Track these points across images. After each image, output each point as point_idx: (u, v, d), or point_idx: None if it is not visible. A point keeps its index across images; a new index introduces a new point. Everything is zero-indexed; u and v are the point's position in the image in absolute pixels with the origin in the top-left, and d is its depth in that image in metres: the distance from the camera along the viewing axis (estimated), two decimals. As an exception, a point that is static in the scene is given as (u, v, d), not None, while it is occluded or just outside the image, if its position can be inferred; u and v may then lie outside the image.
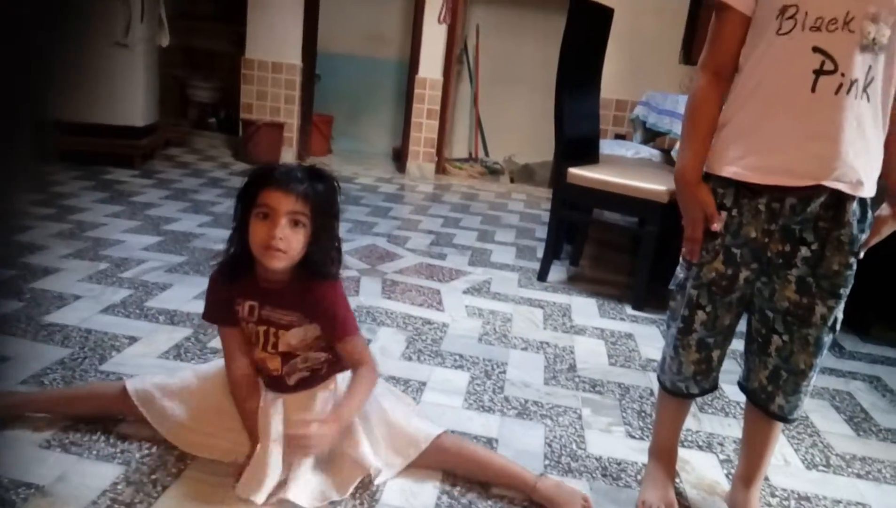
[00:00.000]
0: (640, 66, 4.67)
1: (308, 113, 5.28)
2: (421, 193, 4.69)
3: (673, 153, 2.88)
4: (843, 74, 1.07)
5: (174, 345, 1.93)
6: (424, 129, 5.14)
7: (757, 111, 1.16)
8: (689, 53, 4.62)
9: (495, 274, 2.99)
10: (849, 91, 1.08)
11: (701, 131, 1.23)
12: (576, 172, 2.82)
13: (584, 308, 2.68)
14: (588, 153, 3.08)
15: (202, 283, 1.95)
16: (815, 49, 1.07)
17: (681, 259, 1.35)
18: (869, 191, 1.16)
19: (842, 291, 1.21)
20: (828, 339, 1.25)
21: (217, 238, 2.95)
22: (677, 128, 2.95)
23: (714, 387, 1.40)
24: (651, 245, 2.67)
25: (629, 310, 2.71)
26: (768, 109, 1.14)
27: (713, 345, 1.34)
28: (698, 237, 1.25)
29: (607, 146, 3.58)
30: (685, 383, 1.38)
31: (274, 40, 5.04)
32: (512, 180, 5.56)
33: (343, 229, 3.34)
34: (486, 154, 6.05)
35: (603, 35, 3.03)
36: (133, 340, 1.92)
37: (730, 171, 1.20)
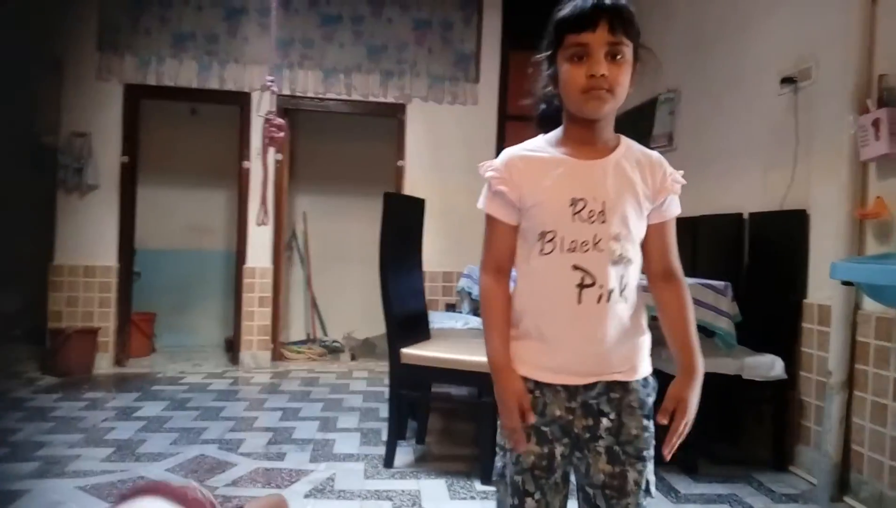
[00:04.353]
0: (458, 240, 4.99)
1: (126, 314, 4.96)
2: (257, 384, 4.47)
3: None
4: (601, 286, 1.24)
5: None
6: (257, 317, 5.02)
7: (536, 318, 1.29)
8: None
9: (339, 468, 2.83)
10: (609, 299, 1.25)
11: (499, 321, 1.33)
12: (409, 351, 2.85)
13: (434, 492, 2.59)
14: (418, 329, 3.15)
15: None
16: (575, 267, 1.24)
17: (496, 448, 1.37)
18: (645, 371, 1.31)
19: (645, 453, 1.30)
20: (645, 504, 1.32)
21: (14, 475, 2.55)
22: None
23: None
24: (490, 416, 2.69)
25: (479, 486, 2.66)
26: (545, 317, 1.28)
27: None
28: (517, 426, 1.29)
29: (438, 319, 3.69)
30: None
31: (86, 243, 4.80)
32: (353, 357, 5.50)
33: (165, 441, 3.09)
34: (325, 333, 5.99)
35: (419, 220, 3.23)
36: None
37: (524, 370, 1.30)
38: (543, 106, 1.37)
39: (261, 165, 4.97)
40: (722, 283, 2.95)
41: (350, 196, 6.04)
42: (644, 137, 4.48)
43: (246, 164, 5.00)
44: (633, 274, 1.29)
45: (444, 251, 4.88)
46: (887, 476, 2.39)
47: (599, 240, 1.24)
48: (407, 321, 3.01)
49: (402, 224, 3.08)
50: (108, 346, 4.80)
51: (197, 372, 4.74)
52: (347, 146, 6.00)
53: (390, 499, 2.51)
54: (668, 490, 2.65)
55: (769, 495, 2.64)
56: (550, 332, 1.27)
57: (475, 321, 3.74)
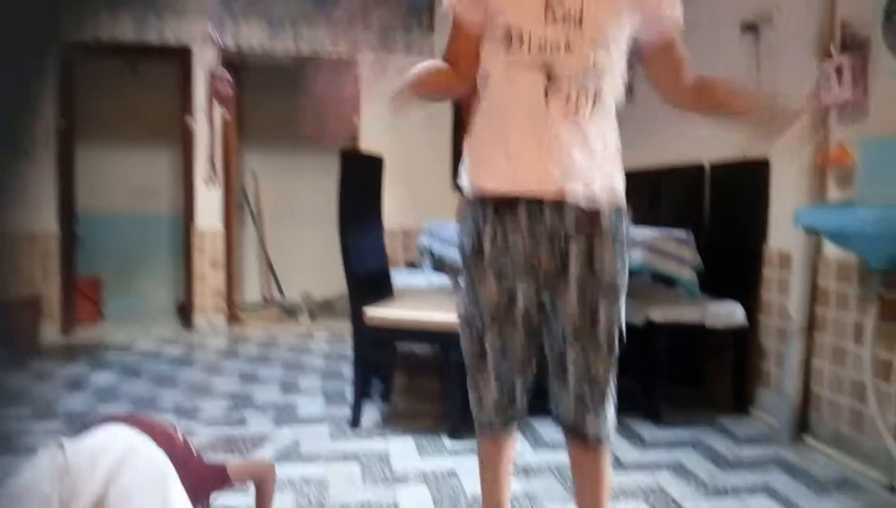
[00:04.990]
0: (418, 196, 4.91)
1: (70, 280, 4.73)
2: (212, 349, 4.34)
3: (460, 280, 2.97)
4: (569, 94, 1.19)
5: None
6: (210, 280, 4.85)
7: (500, 129, 1.24)
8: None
9: (304, 431, 2.77)
10: (576, 109, 1.19)
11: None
12: (373, 311, 2.78)
13: (403, 450, 2.56)
14: (382, 288, 3.07)
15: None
16: (543, 69, 1.18)
17: (459, 287, 1.35)
18: (616, 201, 1.26)
19: (619, 282, 1.26)
20: (616, 343, 1.29)
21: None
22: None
23: (521, 416, 1.39)
24: (456, 373, 2.66)
25: (447, 442, 2.64)
26: (508, 124, 1.23)
27: (510, 375, 1.32)
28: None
29: (401, 277, 3.62)
30: (488, 416, 1.36)
31: (23, 208, 4.51)
32: (312, 317, 5.40)
33: (119, 411, 2.92)
34: (282, 294, 5.85)
35: (377, 179, 3.13)
36: None
37: (482, 183, 1.25)
38: None
39: (206, 124, 4.74)
40: (684, 232, 2.95)
41: (301, 153, 5.83)
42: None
43: (190, 121, 4.76)
44: (608, 88, 1.22)
45: (402, 208, 4.77)
46: (846, 416, 2.47)
47: (572, 43, 1.17)
48: (369, 280, 2.93)
49: (361, 184, 2.97)
50: (53, 314, 4.58)
51: (148, 337, 4.57)
52: (297, 101, 5.76)
53: (358, 460, 2.46)
54: (633, 437, 2.68)
55: (732, 437, 2.70)
56: (513, 139, 1.21)
57: (437, 279, 3.69)
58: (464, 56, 1.30)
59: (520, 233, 1.22)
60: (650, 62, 1.32)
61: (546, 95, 1.17)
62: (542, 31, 1.17)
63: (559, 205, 1.21)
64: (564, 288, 1.23)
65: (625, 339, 1.30)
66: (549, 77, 1.17)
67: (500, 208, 1.23)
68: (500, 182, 1.22)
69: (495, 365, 1.31)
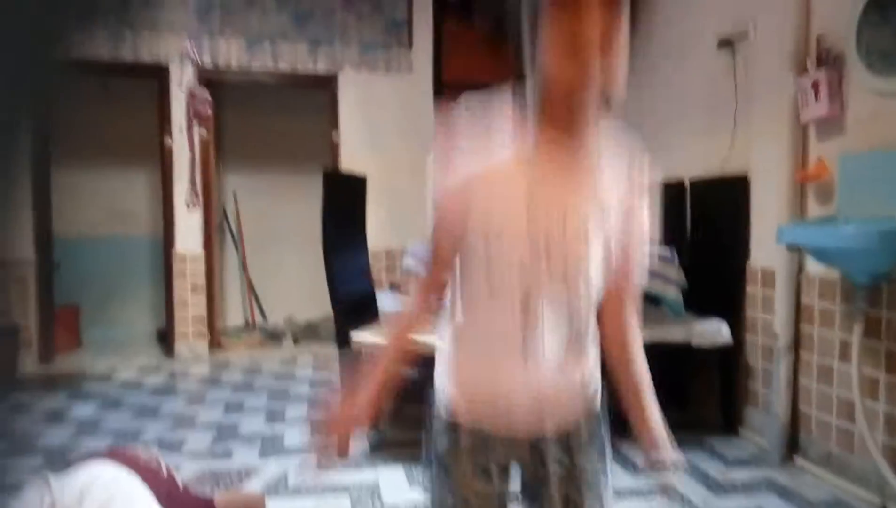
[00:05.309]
0: (400, 215, 4.88)
1: (48, 308, 4.63)
2: (195, 377, 4.27)
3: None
4: (550, 337, 1.08)
5: None
6: (191, 306, 4.77)
7: (477, 366, 1.14)
8: None
9: (291, 463, 2.72)
10: (563, 349, 1.09)
11: (405, 329, 1.19)
12: (359, 336, 2.74)
13: (393, 481, 2.52)
14: (368, 312, 3.04)
15: None
16: (523, 310, 1.06)
17: (426, 462, 1.23)
18: (595, 409, 1.19)
19: (602, 481, 1.20)
20: None
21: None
22: (446, 277, 3.05)
23: None
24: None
25: (437, 471, 2.60)
26: (487, 366, 1.12)
27: None
28: (338, 430, 1.16)
29: (386, 300, 3.58)
30: None
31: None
32: (296, 341, 5.33)
33: (100, 445, 2.86)
34: (265, 318, 5.79)
35: (361, 198, 3.10)
36: None
37: (463, 417, 1.15)
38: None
39: (185, 144, 4.68)
40: (667, 250, 2.96)
41: (283, 173, 5.79)
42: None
43: (168, 142, 4.70)
44: (590, 320, 1.14)
45: (385, 227, 4.74)
46: (835, 435, 2.47)
47: (555, 291, 1.06)
48: (355, 304, 2.90)
49: (344, 204, 2.94)
50: (31, 343, 4.47)
51: (129, 367, 4.48)
52: (277, 121, 5.73)
53: (348, 492, 2.42)
54: (625, 462, 2.67)
55: (722, 460, 2.69)
56: (491, 384, 1.12)
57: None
58: (445, 263, 1.14)
59: (502, 448, 1.16)
60: (604, 305, 1.18)
61: (524, 315, 1.07)
62: (520, 248, 1.05)
63: (541, 435, 1.16)
64: (546, 489, 1.17)
65: None
66: (527, 297, 1.06)
67: (476, 424, 1.16)
68: (479, 422, 1.14)
69: None
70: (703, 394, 3.22)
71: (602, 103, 1.01)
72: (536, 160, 1.04)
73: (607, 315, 1.18)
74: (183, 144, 4.68)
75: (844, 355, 2.40)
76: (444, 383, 1.19)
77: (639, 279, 1.17)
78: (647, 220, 1.13)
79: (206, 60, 4.67)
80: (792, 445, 2.64)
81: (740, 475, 2.53)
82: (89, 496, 1.52)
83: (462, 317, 1.15)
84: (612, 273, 1.11)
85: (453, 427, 1.17)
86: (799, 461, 2.62)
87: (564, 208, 1.05)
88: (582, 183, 1.06)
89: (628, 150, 1.10)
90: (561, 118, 1.03)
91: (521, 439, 1.15)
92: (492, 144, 1.06)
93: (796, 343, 2.64)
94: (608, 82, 0.98)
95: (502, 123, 1.07)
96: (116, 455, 1.74)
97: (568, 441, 1.17)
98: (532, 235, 1.04)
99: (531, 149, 1.04)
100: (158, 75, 4.67)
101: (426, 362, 2.84)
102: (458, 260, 1.12)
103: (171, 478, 1.79)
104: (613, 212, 1.08)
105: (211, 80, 4.79)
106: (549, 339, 1.09)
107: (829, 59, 2.49)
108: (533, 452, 1.17)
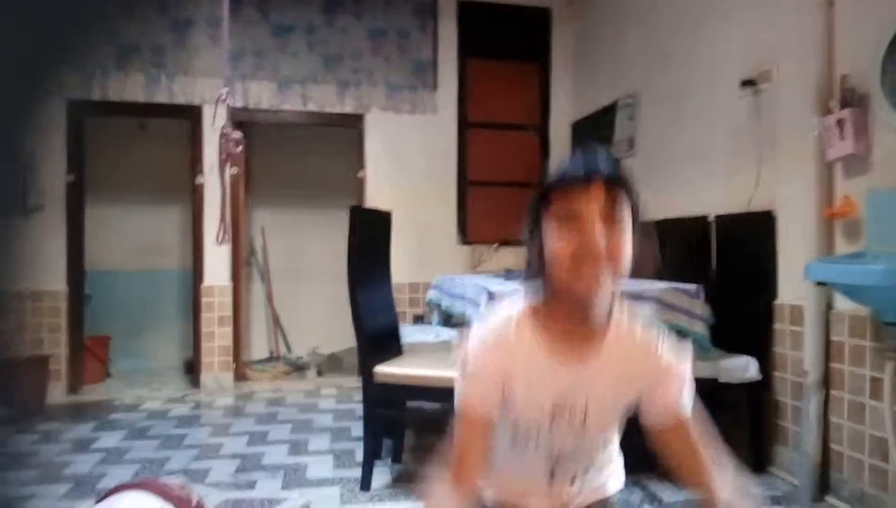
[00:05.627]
0: (425, 251, 4.95)
1: (78, 339, 4.72)
2: (220, 408, 4.30)
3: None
4: (575, 472, 1.18)
5: None
6: (217, 337, 4.84)
7: (505, 490, 1.22)
8: (464, 235, 5.12)
9: (314, 494, 2.72)
10: (584, 477, 1.20)
11: None
12: (383, 369, 2.76)
13: (415, 515, 2.51)
14: (391, 345, 3.06)
15: None
16: (549, 463, 1.17)
17: None
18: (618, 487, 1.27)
19: None
20: None
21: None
22: (470, 310, 3.07)
23: None
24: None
25: (460, 505, 2.58)
26: (513, 492, 1.21)
27: None
28: None
29: (409, 333, 3.60)
30: None
31: (31, 265, 4.55)
32: (320, 373, 5.36)
33: (126, 474, 2.91)
34: (289, 350, 5.83)
35: (386, 233, 3.15)
36: None
37: None
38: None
39: (217, 182, 4.77)
40: (694, 286, 2.95)
41: (309, 209, 5.91)
42: (605, 143, 4.49)
43: (200, 180, 4.83)
44: (612, 443, 1.24)
45: (409, 262, 4.79)
46: (867, 475, 2.41)
47: (577, 443, 1.15)
48: (378, 337, 2.92)
49: (369, 238, 2.99)
50: (60, 374, 4.56)
51: (156, 397, 4.54)
52: (305, 159, 5.87)
53: (370, 525, 2.41)
54: (652, 499, 2.62)
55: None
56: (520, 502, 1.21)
57: (446, 334, 3.67)
58: (475, 448, 1.11)
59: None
60: (657, 434, 1.17)
61: (552, 475, 1.18)
62: (548, 435, 1.13)
63: None
64: None
65: None
66: (556, 462, 1.17)
67: None
68: None
69: None
70: (732, 432, 3.13)
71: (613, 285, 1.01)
72: (556, 350, 1.07)
73: (674, 444, 1.15)
74: (214, 182, 4.80)
75: (876, 392, 2.36)
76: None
77: (687, 401, 1.15)
78: (684, 382, 1.14)
79: (238, 102, 4.82)
80: (823, 484, 2.58)
81: (771, 515, 2.48)
82: None
83: (495, 448, 1.16)
84: (658, 413, 1.13)
85: None
86: (831, 500, 2.55)
87: (586, 398, 1.10)
88: (602, 370, 1.08)
89: (646, 338, 1.12)
90: (574, 316, 1.06)
91: None
92: (513, 338, 1.08)
93: (826, 381, 2.60)
94: (616, 271, 0.98)
95: (521, 321, 1.09)
96: (148, 486, 1.77)
97: None
98: (556, 419, 1.11)
99: (550, 342, 1.08)
100: (192, 116, 4.83)
101: (446, 395, 2.86)
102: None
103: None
104: (638, 389, 1.12)
105: (242, 120, 4.94)
106: (572, 469, 1.18)
107: (853, 100, 2.51)
108: None
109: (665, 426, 1.13)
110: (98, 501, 1.71)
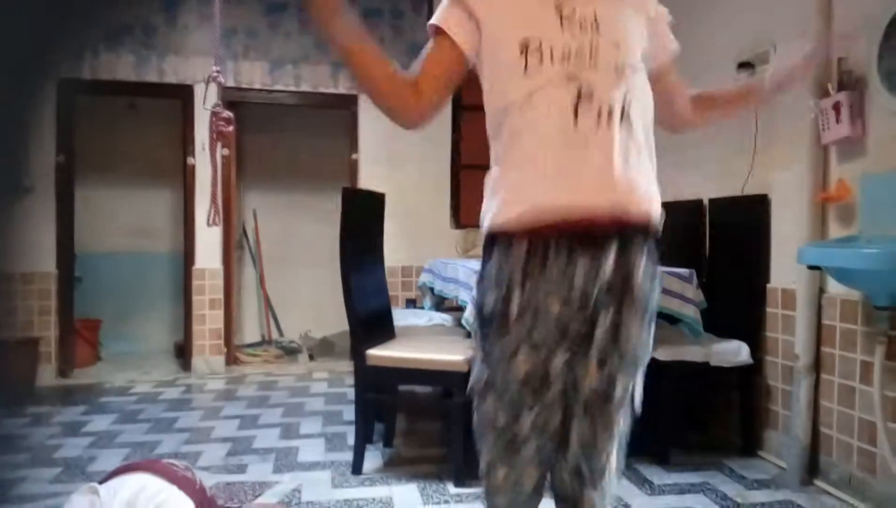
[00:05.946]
0: (418, 234, 4.91)
1: (68, 322, 4.68)
2: (211, 391, 4.29)
3: (463, 321, 2.96)
4: (601, 101, 1.08)
5: None
6: (208, 320, 4.81)
7: (531, 156, 1.11)
8: (457, 219, 5.09)
9: (305, 478, 2.71)
10: (610, 118, 1.09)
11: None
12: (375, 353, 2.75)
13: (407, 498, 2.50)
14: (383, 328, 3.05)
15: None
16: (570, 79, 1.08)
17: (477, 355, 1.20)
18: (656, 220, 1.17)
19: (642, 356, 1.16)
20: (627, 419, 1.19)
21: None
22: (463, 294, 3.05)
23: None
24: (459, 416, 2.62)
25: (452, 488, 2.59)
26: (541, 153, 1.10)
27: (550, 457, 1.18)
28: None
29: (401, 316, 3.59)
30: (523, 501, 1.20)
31: (20, 247, 4.50)
32: (311, 358, 5.35)
33: (117, 457, 2.90)
34: (281, 334, 5.81)
35: (379, 216, 3.13)
36: None
37: (519, 212, 1.11)
38: None
39: (207, 163, 4.73)
40: (686, 270, 2.94)
41: (302, 192, 5.86)
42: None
43: (191, 160, 4.78)
44: (640, 89, 1.14)
45: (401, 245, 4.77)
46: (856, 458, 2.43)
47: (595, 49, 1.09)
48: (371, 320, 2.91)
49: (362, 221, 2.97)
50: (50, 356, 4.53)
51: (146, 380, 4.52)
52: (298, 141, 5.82)
53: (361, 508, 2.41)
54: (642, 482, 2.63)
55: (741, 481, 2.65)
56: (549, 161, 1.09)
57: (438, 317, 3.66)
58: (433, 75, 1.17)
59: (554, 296, 1.09)
60: (660, 80, 1.29)
61: (576, 114, 1.07)
62: (562, 40, 1.08)
63: (594, 258, 1.09)
64: (584, 358, 1.12)
65: (637, 413, 1.20)
66: (579, 94, 1.07)
67: (531, 258, 1.10)
68: (537, 212, 1.09)
69: (538, 447, 1.16)
70: (723, 415, 3.17)
71: None
72: None
73: (678, 87, 1.37)
74: (205, 163, 4.73)
75: (866, 376, 2.36)
76: (497, 198, 1.16)
77: (672, 47, 1.32)
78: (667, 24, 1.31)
79: (230, 82, 4.75)
80: (812, 467, 2.59)
81: (760, 497, 2.49)
82: (139, 504, 1.56)
83: (507, 128, 1.15)
84: (659, 54, 1.28)
85: (506, 257, 1.12)
86: (819, 483, 2.57)
87: (594, 8, 1.12)
88: None
89: None
90: None
91: (580, 244, 1.08)
92: None
93: (817, 365, 2.61)
94: None
95: None
96: (151, 467, 1.76)
97: (622, 296, 1.11)
98: (565, 22, 1.10)
99: None
100: (183, 95, 4.77)
101: (438, 379, 2.85)
102: (487, 84, 1.19)
103: (203, 489, 1.80)
104: (642, 32, 1.20)
105: (234, 100, 4.87)
106: (599, 119, 1.09)
107: (850, 83, 2.49)
108: (584, 307, 1.10)
109: (664, 66, 1.30)
110: (102, 481, 1.71)
